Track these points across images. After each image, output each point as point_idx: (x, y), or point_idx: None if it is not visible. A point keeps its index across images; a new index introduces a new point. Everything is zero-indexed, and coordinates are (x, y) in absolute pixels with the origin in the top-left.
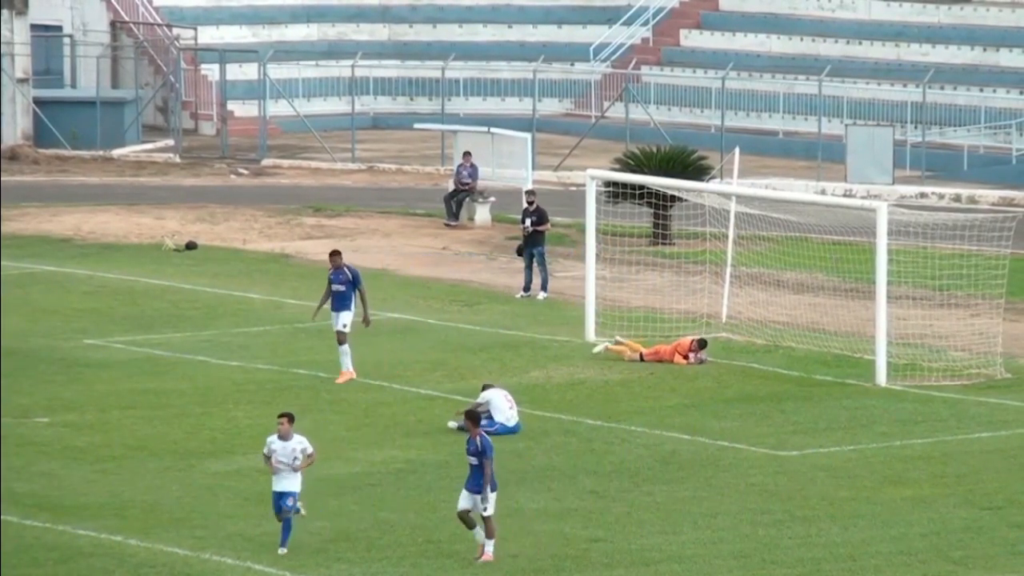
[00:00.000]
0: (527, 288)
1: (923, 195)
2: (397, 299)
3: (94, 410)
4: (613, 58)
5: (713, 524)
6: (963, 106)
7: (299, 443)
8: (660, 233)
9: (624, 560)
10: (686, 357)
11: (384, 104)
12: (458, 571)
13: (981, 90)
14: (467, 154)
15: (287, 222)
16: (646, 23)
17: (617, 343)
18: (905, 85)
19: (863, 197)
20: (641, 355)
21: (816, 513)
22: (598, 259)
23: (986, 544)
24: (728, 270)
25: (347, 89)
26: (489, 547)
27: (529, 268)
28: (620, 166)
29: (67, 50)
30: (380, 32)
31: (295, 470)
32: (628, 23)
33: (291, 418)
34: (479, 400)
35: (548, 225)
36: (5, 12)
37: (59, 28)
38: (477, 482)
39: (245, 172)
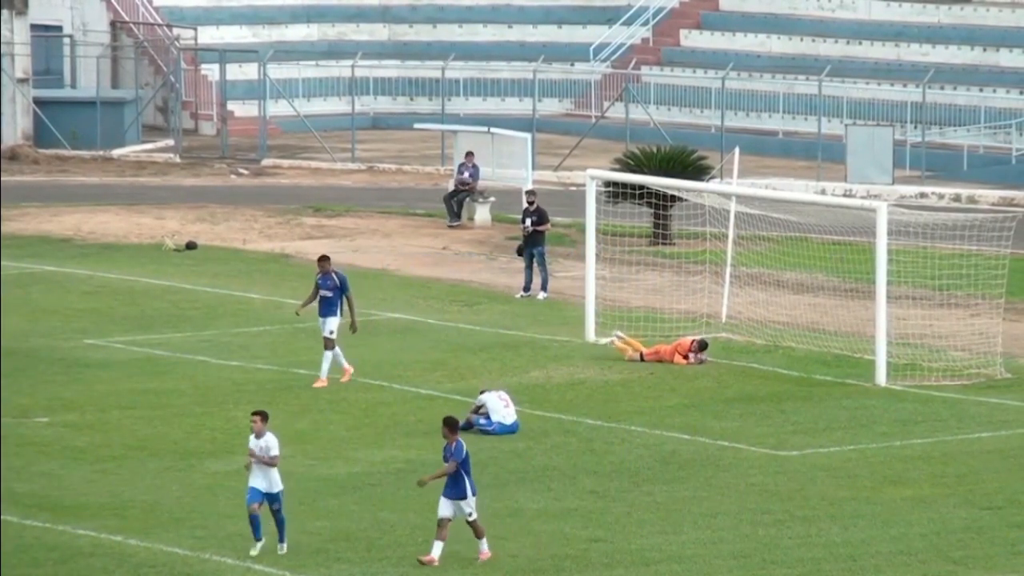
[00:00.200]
0: (527, 288)
1: (923, 195)
2: (397, 299)
3: (94, 410)
4: (613, 58)
5: (713, 524)
6: (963, 106)
7: (268, 441)
8: (660, 233)
9: (624, 560)
10: (686, 357)
11: (384, 104)
12: (458, 571)
13: (981, 90)
14: (469, 154)
15: (287, 222)
16: (646, 23)
17: (620, 338)
18: (905, 85)
19: (863, 197)
20: (641, 355)
21: (816, 513)
22: (598, 259)
23: (986, 544)
24: (728, 270)
25: (347, 89)
26: (483, 545)
27: (529, 268)
28: (620, 166)
29: (67, 50)
30: (380, 32)
31: (269, 465)
32: (628, 23)
33: (264, 416)
34: (476, 402)
35: (548, 225)
36: (5, 12)
37: (59, 28)
38: (454, 489)
39: (245, 172)
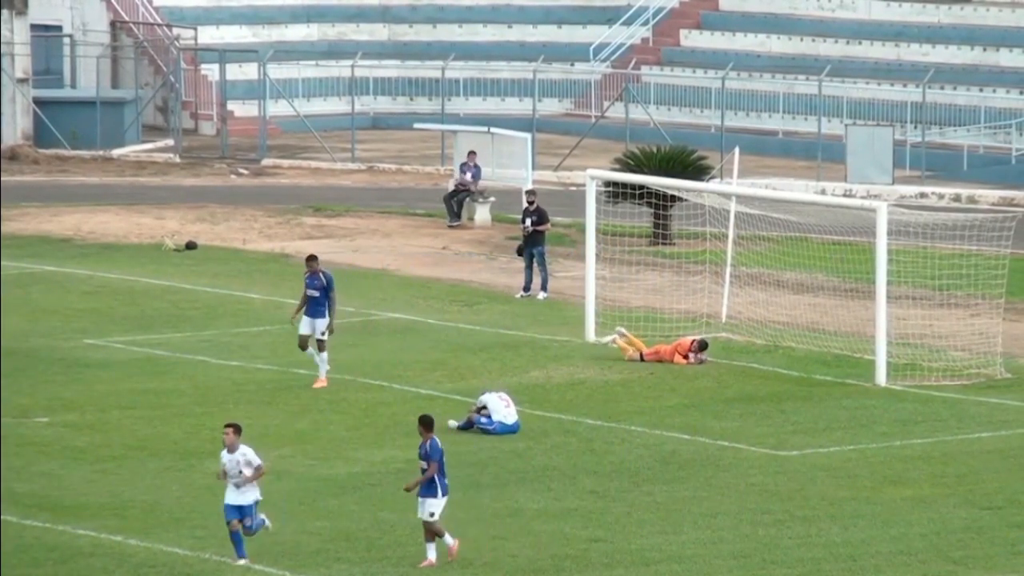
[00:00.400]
0: (527, 288)
1: (923, 195)
2: (397, 299)
3: (94, 410)
4: (613, 58)
5: (713, 524)
6: (963, 106)
7: (243, 455)
8: (660, 233)
9: (624, 560)
10: (686, 357)
11: (384, 104)
12: (458, 571)
13: (981, 90)
14: (472, 153)
15: (287, 222)
16: (646, 23)
17: (622, 335)
18: (905, 85)
19: (863, 197)
20: (641, 355)
21: (816, 513)
22: (598, 259)
23: (986, 544)
24: (728, 270)
25: (347, 89)
26: (449, 540)
27: (529, 268)
28: (620, 166)
29: (67, 50)
30: (380, 32)
31: (237, 486)
32: (628, 23)
33: (237, 428)
34: (478, 403)
35: (548, 225)
36: (5, 12)
37: (59, 28)
38: (426, 487)
39: (245, 172)
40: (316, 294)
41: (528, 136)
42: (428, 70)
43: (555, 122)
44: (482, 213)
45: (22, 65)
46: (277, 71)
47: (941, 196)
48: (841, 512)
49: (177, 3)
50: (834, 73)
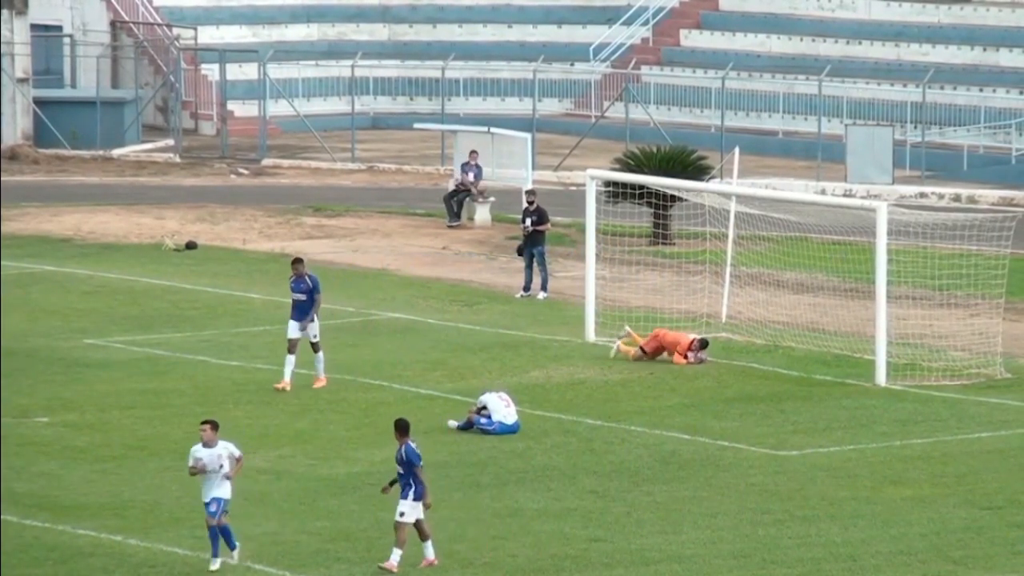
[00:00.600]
0: (527, 288)
1: (923, 195)
2: (397, 299)
3: (94, 410)
4: (613, 58)
5: (713, 524)
6: (963, 106)
7: (224, 448)
8: (660, 233)
9: (624, 560)
10: (686, 357)
11: (384, 104)
12: (458, 571)
13: (981, 90)
14: (473, 152)
15: (287, 222)
16: (646, 23)
17: (627, 336)
18: (905, 85)
19: (863, 197)
20: (642, 348)
21: (816, 513)
22: (598, 259)
23: (986, 544)
24: (728, 270)
25: (347, 89)
26: (395, 557)
27: (529, 268)
28: (620, 166)
29: (67, 50)
30: (380, 32)
31: (227, 477)
32: (628, 23)
33: (214, 425)
34: (478, 403)
35: (548, 225)
36: (5, 12)
37: (59, 28)
38: (405, 490)
39: (245, 172)
40: (303, 298)
41: (528, 136)
42: (428, 70)
43: (555, 122)
44: (482, 213)
45: (22, 65)
46: (277, 71)
47: (941, 196)
48: (841, 512)
49: (177, 3)
50: (834, 73)
